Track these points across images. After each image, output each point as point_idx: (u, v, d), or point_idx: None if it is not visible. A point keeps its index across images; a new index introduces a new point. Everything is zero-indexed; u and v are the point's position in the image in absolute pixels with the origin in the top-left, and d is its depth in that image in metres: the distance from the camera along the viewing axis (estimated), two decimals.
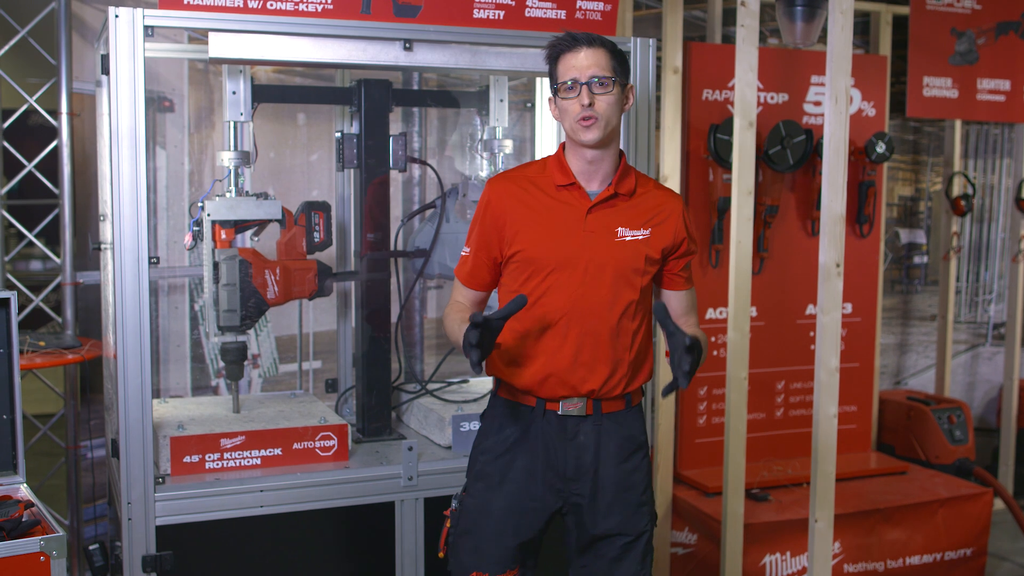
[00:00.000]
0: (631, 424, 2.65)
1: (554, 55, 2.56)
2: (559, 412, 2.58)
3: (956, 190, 5.84)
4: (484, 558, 2.61)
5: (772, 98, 4.92)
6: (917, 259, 6.39)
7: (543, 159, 2.71)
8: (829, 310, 3.67)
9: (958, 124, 5.79)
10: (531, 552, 2.66)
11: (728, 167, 4.47)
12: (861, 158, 5.06)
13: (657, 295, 2.73)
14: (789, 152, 4.78)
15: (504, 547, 2.60)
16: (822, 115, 4.69)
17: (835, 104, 3.61)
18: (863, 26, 5.53)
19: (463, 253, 2.69)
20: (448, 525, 2.70)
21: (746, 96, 3.85)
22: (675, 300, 2.71)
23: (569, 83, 2.51)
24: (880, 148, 5.02)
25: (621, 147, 2.68)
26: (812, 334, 4.94)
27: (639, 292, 2.59)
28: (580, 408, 2.59)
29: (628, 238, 2.58)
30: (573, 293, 2.56)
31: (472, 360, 2.35)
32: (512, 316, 2.39)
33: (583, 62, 2.50)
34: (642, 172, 2.76)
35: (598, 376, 2.58)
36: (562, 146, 2.64)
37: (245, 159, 3.26)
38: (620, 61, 2.56)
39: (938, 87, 5.37)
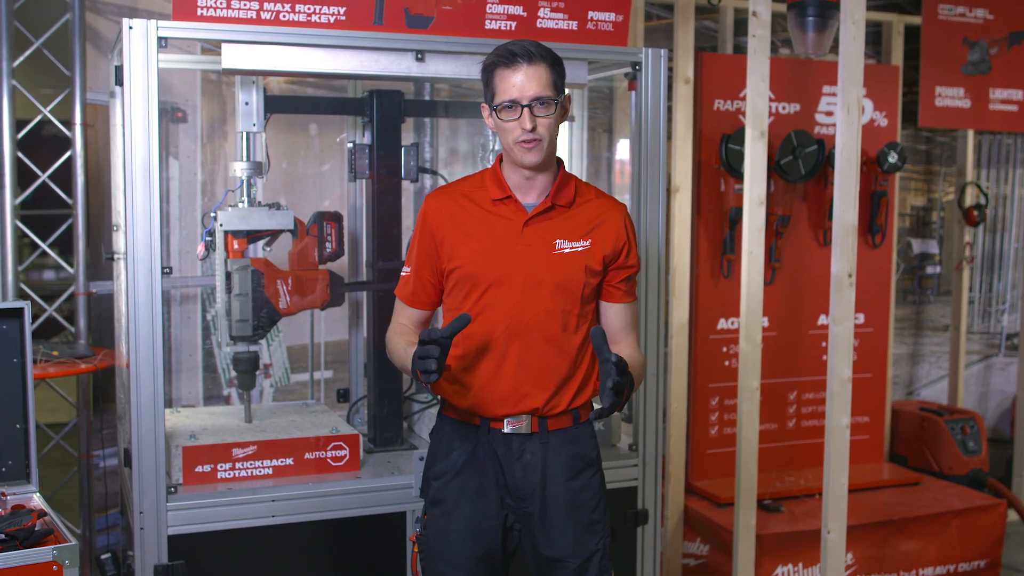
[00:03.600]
0: (580, 441, 2.59)
1: (489, 69, 2.47)
2: (503, 431, 2.54)
3: (969, 200, 5.82)
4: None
5: (784, 108, 4.92)
6: (930, 269, 6.37)
7: (480, 173, 2.65)
8: (841, 320, 3.66)
9: (971, 134, 5.77)
10: (498, 569, 2.61)
11: (740, 177, 4.47)
12: (873, 168, 5.05)
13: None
14: (801, 162, 4.77)
15: (467, 570, 2.56)
16: (834, 125, 4.68)
17: (847, 114, 3.61)
18: (875, 36, 5.53)
19: (403, 273, 2.65)
20: (416, 550, 2.67)
21: (758, 106, 3.85)
22: (612, 313, 2.62)
23: (508, 103, 2.43)
24: (892, 158, 5.01)
25: (561, 158, 2.63)
26: (824, 344, 4.92)
27: (579, 305, 2.53)
28: (525, 426, 2.53)
29: (567, 250, 2.52)
30: (512, 309, 2.51)
31: (428, 380, 2.31)
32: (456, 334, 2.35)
33: (523, 81, 2.41)
34: (584, 180, 2.69)
35: (541, 393, 2.53)
36: (499, 159, 2.59)
37: (257, 169, 3.27)
38: (559, 73, 2.49)
39: (950, 97, 5.36)
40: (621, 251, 2.57)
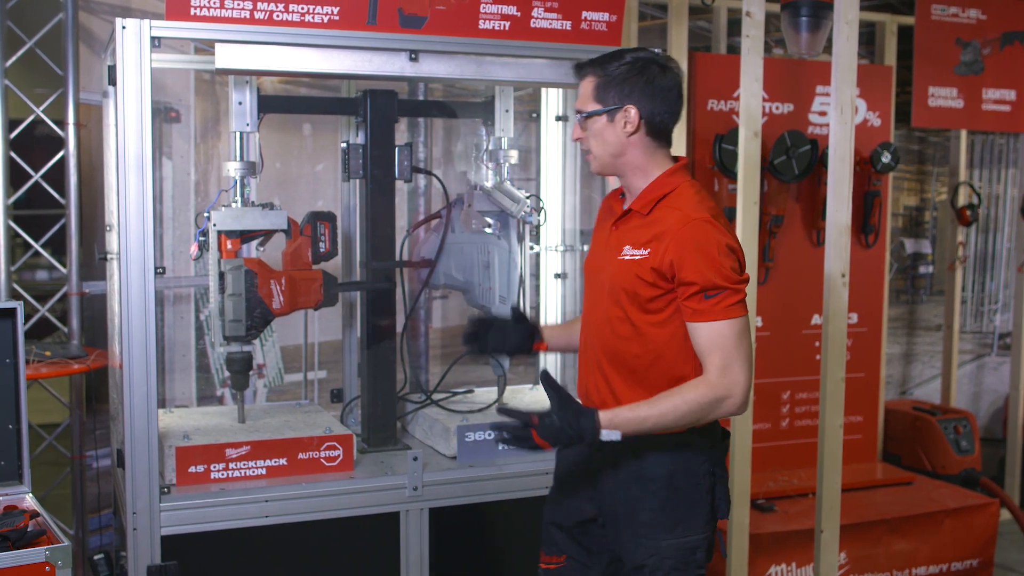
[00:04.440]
0: (639, 452, 2.51)
1: None
2: None
3: (962, 200, 5.84)
4: (543, 535, 2.77)
5: (777, 108, 4.92)
6: (923, 269, 6.39)
7: None
8: (835, 320, 3.67)
9: (963, 134, 5.79)
10: (581, 548, 2.67)
11: (733, 177, 4.48)
12: (867, 168, 5.06)
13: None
14: (794, 162, 4.78)
15: (549, 532, 2.73)
16: (827, 125, 4.68)
17: (840, 114, 3.62)
18: (868, 36, 5.54)
19: None
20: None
21: (751, 106, 3.85)
22: (690, 333, 2.46)
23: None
24: (885, 158, 5.02)
25: (679, 160, 2.61)
26: (818, 344, 4.93)
27: (636, 313, 2.49)
28: None
29: (627, 257, 2.50)
30: (590, 310, 2.62)
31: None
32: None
33: (578, 94, 2.56)
34: (694, 189, 2.55)
35: (599, 395, 2.57)
36: None
37: (251, 169, 3.26)
38: (608, 84, 2.50)
39: (943, 97, 5.38)
40: (671, 265, 2.42)
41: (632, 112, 2.50)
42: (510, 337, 2.90)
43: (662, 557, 2.50)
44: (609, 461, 2.56)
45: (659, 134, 2.54)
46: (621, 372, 2.53)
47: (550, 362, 4.02)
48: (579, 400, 2.53)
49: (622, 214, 2.57)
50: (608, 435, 2.37)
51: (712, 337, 2.41)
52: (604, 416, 2.37)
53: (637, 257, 2.48)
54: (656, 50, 2.61)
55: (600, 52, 3.31)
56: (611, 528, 2.61)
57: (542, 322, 3.97)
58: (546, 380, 2.46)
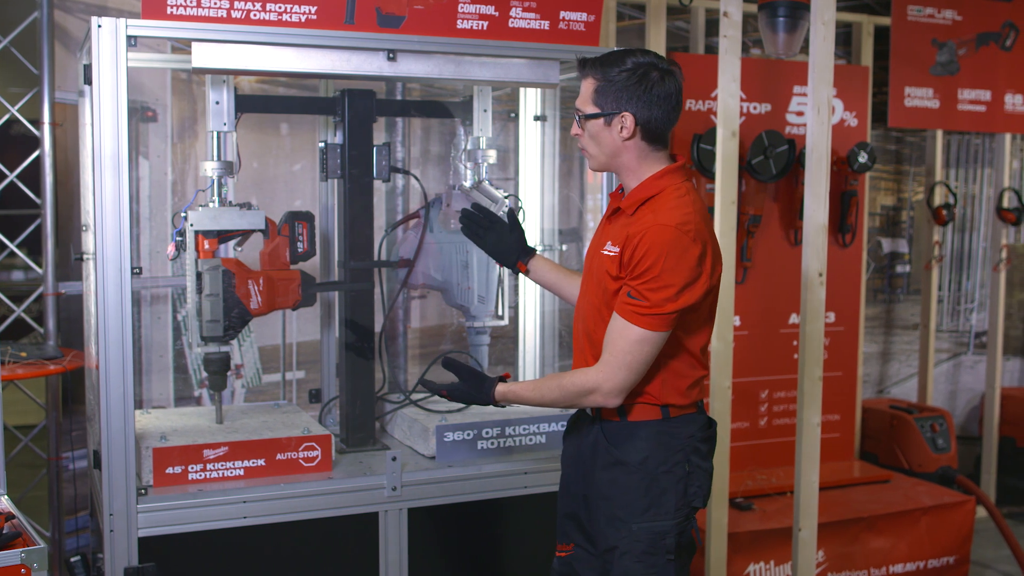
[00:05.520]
0: (619, 439, 2.63)
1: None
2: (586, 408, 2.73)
3: (938, 200, 5.87)
4: (557, 530, 2.84)
5: (755, 108, 4.94)
6: (899, 268, 6.42)
7: None
8: (812, 319, 3.69)
9: (939, 134, 5.82)
10: (588, 534, 2.72)
11: (711, 177, 4.49)
12: (843, 168, 5.08)
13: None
14: (772, 162, 4.80)
15: (561, 520, 2.81)
16: (805, 125, 4.72)
17: (817, 114, 3.63)
18: (845, 36, 5.57)
19: None
20: None
21: (729, 106, 3.87)
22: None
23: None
24: (862, 158, 5.05)
25: (672, 162, 2.66)
26: (795, 343, 4.95)
27: (600, 302, 2.62)
28: (587, 408, 2.70)
29: (606, 252, 2.61)
30: (580, 295, 2.77)
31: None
32: None
33: (580, 91, 2.61)
34: (678, 194, 2.57)
35: None
36: None
37: (228, 169, 3.25)
38: (606, 90, 2.55)
39: (920, 97, 5.41)
40: (627, 262, 2.53)
41: (628, 119, 2.56)
42: (506, 245, 3.09)
43: (633, 540, 2.59)
44: (592, 448, 2.68)
45: (655, 138, 2.60)
46: (597, 355, 2.62)
47: (528, 364, 4.02)
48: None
49: (614, 210, 2.67)
50: (503, 401, 2.72)
51: (615, 330, 2.54)
52: (500, 389, 2.70)
53: (611, 254, 2.59)
54: (658, 54, 2.64)
55: (579, 52, 3.34)
56: (592, 511, 2.68)
57: (521, 328, 3.99)
58: (449, 363, 2.77)
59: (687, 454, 2.62)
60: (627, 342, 2.51)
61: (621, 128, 2.56)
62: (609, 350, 2.55)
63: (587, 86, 2.59)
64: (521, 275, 3.15)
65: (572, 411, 2.92)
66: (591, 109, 2.59)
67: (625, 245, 2.53)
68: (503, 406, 2.76)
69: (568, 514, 2.79)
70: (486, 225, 3.10)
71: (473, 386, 2.73)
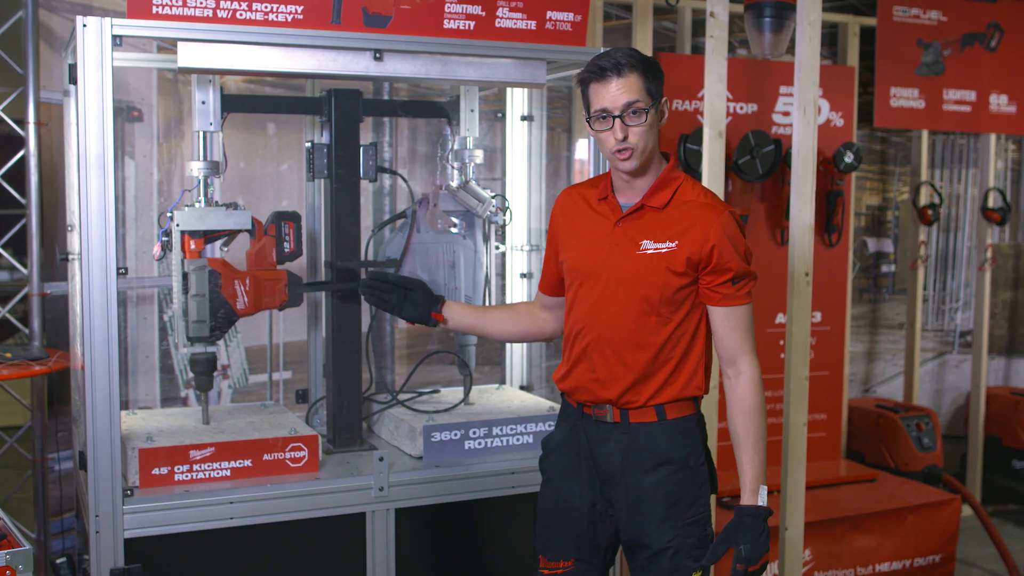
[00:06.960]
0: (659, 437, 2.63)
1: (584, 83, 2.57)
2: (593, 417, 2.69)
3: (923, 199, 5.90)
4: (542, 544, 2.79)
5: (741, 108, 4.96)
6: (885, 268, 6.45)
7: (605, 172, 2.77)
8: (798, 319, 3.70)
9: (925, 134, 5.85)
10: (591, 547, 2.72)
11: (698, 177, 4.50)
12: (829, 168, 5.10)
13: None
14: (758, 162, 4.81)
15: (555, 538, 2.75)
16: (791, 125, 4.72)
17: (803, 114, 3.64)
18: (831, 37, 5.59)
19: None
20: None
21: (715, 106, 3.88)
22: (715, 317, 2.64)
23: (601, 114, 2.54)
24: (848, 158, 5.07)
25: (668, 156, 2.71)
26: (782, 343, 4.96)
27: (662, 304, 2.58)
28: (608, 415, 2.66)
29: (651, 251, 2.58)
30: (595, 303, 2.64)
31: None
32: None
33: (614, 92, 2.51)
34: (699, 183, 2.70)
35: (616, 386, 2.63)
36: None
37: (215, 169, 3.24)
38: (653, 77, 2.55)
39: (905, 97, 5.43)
40: (710, 254, 2.56)
41: (666, 106, 2.64)
42: (413, 301, 3.00)
43: (684, 537, 2.62)
44: (622, 456, 2.65)
45: None
46: (646, 358, 2.61)
47: (515, 364, 4.03)
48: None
49: (632, 210, 2.62)
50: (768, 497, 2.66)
51: (737, 318, 2.63)
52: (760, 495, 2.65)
53: (664, 250, 2.57)
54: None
55: (566, 52, 3.34)
56: (632, 515, 2.66)
57: None
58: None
59: (705, 442, 2.73)
60: (750, 321, 2.65)
61: (663, 115, 2.62)
62: (742, 337, 2.64)
63: (633, 81, 2.51)
64: (441, 325, 3.04)
65: (556, 414, 2.90)
66: (649, 101, 2.55)
67: (697, 237, 2.55)
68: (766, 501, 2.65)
69: (568, 530, 2.74)
70: (388, 289, 3.00)
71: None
